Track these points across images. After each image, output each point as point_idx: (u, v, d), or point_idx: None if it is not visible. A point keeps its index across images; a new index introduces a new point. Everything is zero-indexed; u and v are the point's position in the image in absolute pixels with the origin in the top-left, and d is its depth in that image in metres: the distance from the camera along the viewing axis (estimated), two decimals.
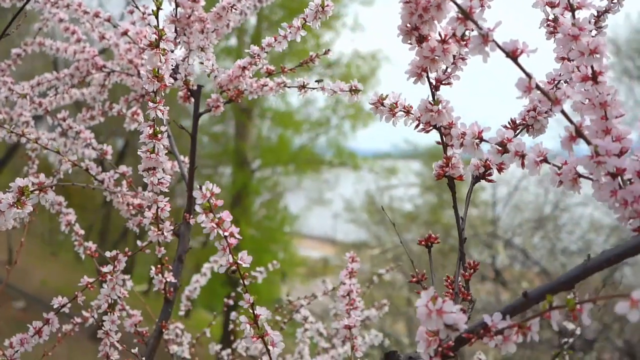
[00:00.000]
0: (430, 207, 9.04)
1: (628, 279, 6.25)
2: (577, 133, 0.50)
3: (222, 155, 11.19)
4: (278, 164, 11.51)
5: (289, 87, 0.94)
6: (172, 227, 0.88)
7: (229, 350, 1.24)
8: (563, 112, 0.50)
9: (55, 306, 0.89)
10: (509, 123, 0.67)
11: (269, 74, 0.96)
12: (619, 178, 0.51)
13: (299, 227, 11.95)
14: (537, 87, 0.49)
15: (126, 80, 1.16)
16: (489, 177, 0.66)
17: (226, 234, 0.61)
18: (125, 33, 1.03)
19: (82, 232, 1.07)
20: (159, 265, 0.93)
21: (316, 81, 0.93)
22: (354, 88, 0.84)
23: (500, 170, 0.66)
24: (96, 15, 1.07)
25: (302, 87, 0.92)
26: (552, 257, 6.21)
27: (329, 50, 0.97)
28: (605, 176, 0.50)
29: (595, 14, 0.71)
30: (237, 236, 0.61)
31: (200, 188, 0.59)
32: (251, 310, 0.63)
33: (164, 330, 0.96)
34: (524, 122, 0.67)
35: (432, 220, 7.96)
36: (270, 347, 0.63)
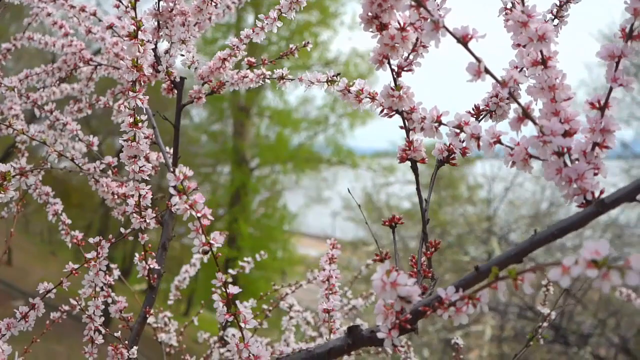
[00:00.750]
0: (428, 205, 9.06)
1: None
2: (525, 114, 0.53)
3: (221, 154, 11.22)
4: (276, 163, 11.54)
5: (268, 78, 0.97)
6: (154, 215, 0.91)
7: (215, 338, 1.27)
8: (510, 94, 0.52)
9: (40, 292, 0.92)
10: (472, 109, 0.70)
11: (250, 66, 0.99)
12: (565, 157, 0.53)
13: (297, 225, 11.98)
14: (487, 70, 0.52)
15: (113, 73, 1.18)
16: (453, 161, 0.69)
17: (199, 214, 0.63)
18: (110, 27, 1.05)
19: (68, 221, 1.10)
20: (142, 253, 0.96)
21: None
22: (330, 79, 0.86)
23: (464, 154, 0.68)
24: (82, 9, 1.10)
25: (281, 78, 0.95)
26: (548, 253, 6.24)
27: (308, 42, 0.99)
28: (551, 155, 0.53)
29: (558, 3, 0.74)
30: (210, 217, 0.64)
31: (174, 171, 0.62)
32: (224, 289, 0.66)
33: (147, 315, 0.99)
34: (487, 107, 0.69)
35: (430, 217, 7.99)
36: (242, 324, 0.66)
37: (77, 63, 1.19)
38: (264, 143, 11.56)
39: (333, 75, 0.88)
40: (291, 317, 1.27)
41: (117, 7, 1.09)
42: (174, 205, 0.63)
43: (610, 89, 0.53)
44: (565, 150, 0.52)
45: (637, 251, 6.63)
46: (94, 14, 1.10)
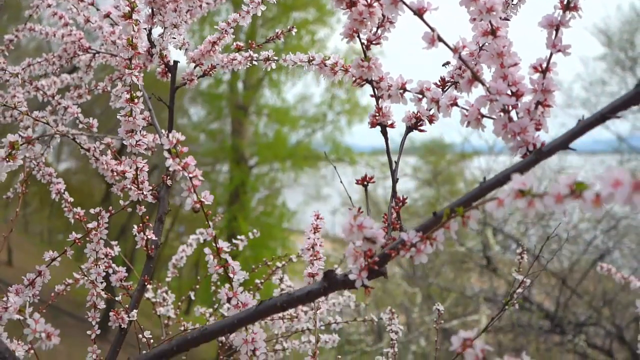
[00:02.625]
0: (426, 201, 9.15)
1: (617, 262, 6.36)
2: (474, 77, 0.60)
3: (220, 152, 11.28)
4: (275, 161, 11.60)
5: (256, 60, 1.04)
6: (150, 187, 0.98)
7: (210, 310, 1.34)
8: (460, 58, 0.59)
9: (25, 283, 0.96)
10: (438, 80, 0.77)
11: (238, 49, 1.06)
12: (512, 114, 0.60)
13: (297, 223, 12.04)
14: (439, 38, 0.59)
15: (110, 60, 1.25)
16: (421, 128, 0.76)
17: (191, 175, 0.70)
18: (107, 15, 1.12)
19: (71, 199, 1.17)
20: (140, 224, 1.03)
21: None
22: (311, 59, 0.93)
23: (431, 121, 0.75)
24: (80, 0, 1.17)
25: (267, 59, 1.02)
26: (543, 242, 6.32)
27: (293, 27, 1.07)
28: (498, 112, 0.60)
29: None
30: (200, 178, 0.71)
31: (167, 136, 0.69)
32: (214, 244, 0.73)
33: (146, 283, 1.06)
34: (451, 79, 0.76)
35: (429, 213, 8.07)
36: (231, 275, 0.73)
37: (76, 51, 1.26)
38: (262, 141, 11.62)
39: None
40: (282, 290, 1.34)
41: None
42: (169, 166, 0.70)
43: (551, 54, 0.60)
44: (511, 107, 0.59)
45: (630, 241, 6.71)
46: (92, 4, 1.17)
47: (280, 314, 1.15)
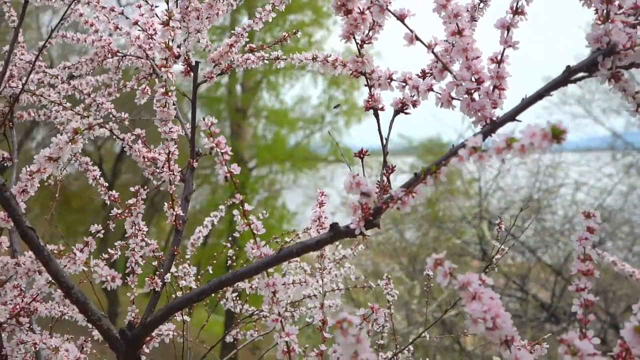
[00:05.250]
0: (425, 199, 9.34)
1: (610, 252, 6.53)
2: (444, 67, 0.78)
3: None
4: (274, 162, 11.77)
5: (267, 59, 1.21)
6: (180, 169, 1.15)
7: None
8: (433, 53, 0.77)
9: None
10: (420, 72, 0.94)
11: (251, 51, 1.23)
12: (475, 95, 0.78)
13: (297, 224, 12.18)
14: (417, 38, 0.76)
15: (136, 62, 1.42)
16: (406, 111, 0.93)
17: (222, 150, 0.88)
18: (136, 23, 1.29)
19: (106, 184, 1.34)
20: (170, 202, 1.20)
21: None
22: (315, 56, 1.10)
23: (414, 105, 0.93)
24: (112, 9, 1.34)
25: (277, 58, 1.20)
26: (538, 236, 6.51)
27: (298, 30, 1.24)
28: (463, 94, 0.77)
29: None
30: (229, 153, 0.88)
31: (204, 119, 0.86)
32: (241, 207, 0.90)
33: (175, 253, 1.23)
34: (430, 71, 0.94)
35: (430, 214, 8.28)
36: (255, 232, 0.90)
37: (106, 55, 1.43)
38: (261, 143, 11.79)
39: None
40: (289, 261, 1.51)
41: (140, 7, 1.34)
42: (205, 145, 0.87)
43: (504, 49, 0.78)
44: (473, 91, 0.77)
45: (623, 233, 6.88)
46: (122, 13, 1.35)
47: (291, 280, 1.32)
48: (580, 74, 0.71)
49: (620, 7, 0.70)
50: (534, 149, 0.56)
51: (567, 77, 0.71)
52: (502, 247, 1.34)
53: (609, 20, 0.69)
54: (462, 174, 9.70)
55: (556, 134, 0.54)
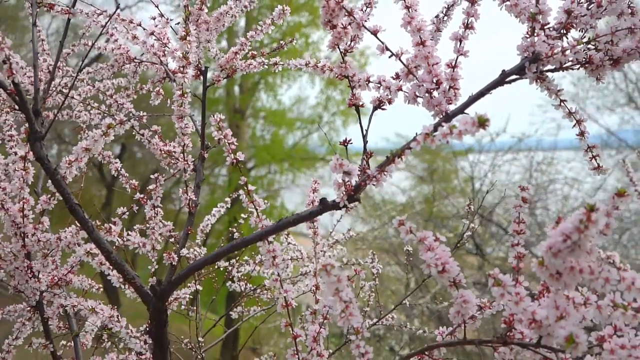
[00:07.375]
0: (423, 198, 9.55)
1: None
2: (409, 72, 0.97)
3: (218, 156, 11.65)
4: (273, 163, 11.95)
5: (267, 65, 1.41)
6: (193, 159, 1.35)
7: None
8: (400, 60, 0.96)
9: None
10: (394, 74, 1.14)
11: (253, 57, 1.43)
12: (434, 93, 0.97)
13: None
14: (386, 48, 0.96)
15: (151, 68, 1.62)
16: (383, 107, 1.12)
17: (229, 142, 1.07)
18: (152, 33, 1.49)
19: (127, 175, 1.53)
20: (184, 187, 1.40)
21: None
22: (307, 62, 1.30)
23: (389, 102, 1.12)
24: (130, 21, 1.53)
25: (276, 64, 1.39)
26: (532, 230, 6.71)
27: (293, 39, 1.44)
28: (424, 93, 0.97)
29: (446, 6, 1.18)
30: (235, 143, 1.07)
31: (213, 115, 1.06)
32: (246, 187, 1.09)
33: (189, 232, 1.42)
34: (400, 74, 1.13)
35: (425, 210, 8.48)
36: (257, 207, 1.09)
37: (124, 61, 1.63)
38: (259, 144, 11.97)
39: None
40: (289, 243, 1.70)
41: (154, 18, 1.53)
42: (214, 136, 1.06)
43: (457, 57, 0.97)
44: (432, 90, 0.96)
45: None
46: (139, 24, 1.54)
47: (289, 256, 1.51)
48: (513, 77, 0.90)
49: (543, 26, 0.89)
50: (467, 132, 0.75)
51: (503, 78, 0.90)
52: (473, 225, 1.53)
53: (534, 34, 0.89)
54: (458, 173, 9.90)
55: (481, 122, 0.74)
